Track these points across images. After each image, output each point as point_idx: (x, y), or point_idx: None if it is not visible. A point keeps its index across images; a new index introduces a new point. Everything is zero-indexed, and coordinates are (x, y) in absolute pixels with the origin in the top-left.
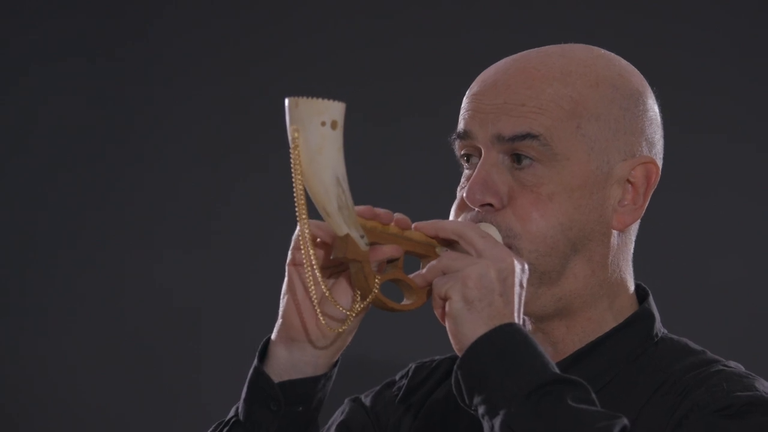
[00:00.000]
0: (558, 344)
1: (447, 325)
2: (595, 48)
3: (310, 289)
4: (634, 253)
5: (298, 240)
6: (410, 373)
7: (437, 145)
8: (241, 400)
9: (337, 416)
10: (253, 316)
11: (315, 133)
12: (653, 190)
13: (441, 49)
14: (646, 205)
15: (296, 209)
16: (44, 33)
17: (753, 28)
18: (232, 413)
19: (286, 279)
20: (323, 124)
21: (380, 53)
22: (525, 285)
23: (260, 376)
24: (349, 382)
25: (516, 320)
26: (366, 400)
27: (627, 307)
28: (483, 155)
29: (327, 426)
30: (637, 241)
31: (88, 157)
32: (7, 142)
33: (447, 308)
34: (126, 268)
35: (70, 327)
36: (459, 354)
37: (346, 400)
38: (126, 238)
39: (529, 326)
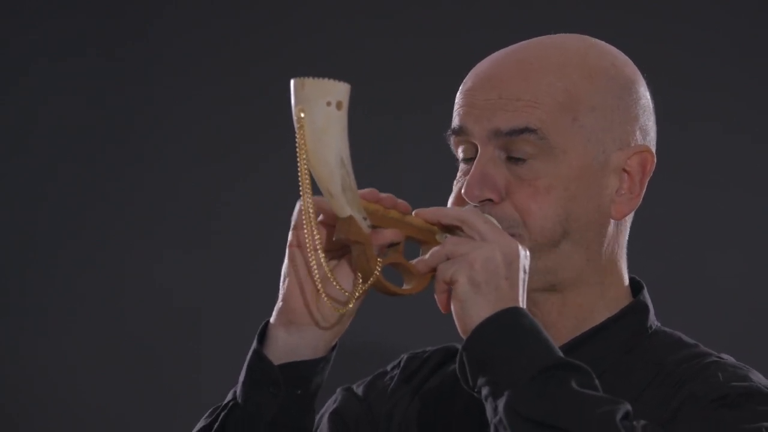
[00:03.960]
0: (550, 329)
1: (453, 308)
2: (587, 37)
3: (314, 269)
4: (628, 247)
5: (299, 220)
6: (402, 364)
7: (437, 145)
8: (239, 384)
9: (330, 405)
10: (253, 316)
11: (320, 113)
12: (649, 178)
13: (441, 49)
14: (643, 193)
15: (300, 188)
16: (44, 33)
17: (753, 28)
18: (229, 397)
19: (286, 260)
20: (329, 104)
21: (380, 53)
22: (528, 270)
23: (259, 358)
24: (343, 368)
25: (521, 304)
26: (358, 389)
27: (621, 298)
28: (479, 151)
29: (319, 415)
30: (630, 234)
31: (88, 157)
32: (7, 142)
33: (453, 292)
34: (126, 268)
35: (70, 327)
36: (464, 336)
37: (338, 390)
38: (126, 238)
39: None
